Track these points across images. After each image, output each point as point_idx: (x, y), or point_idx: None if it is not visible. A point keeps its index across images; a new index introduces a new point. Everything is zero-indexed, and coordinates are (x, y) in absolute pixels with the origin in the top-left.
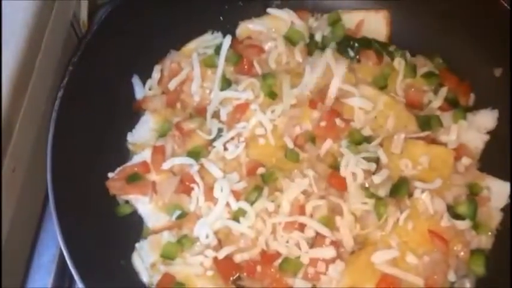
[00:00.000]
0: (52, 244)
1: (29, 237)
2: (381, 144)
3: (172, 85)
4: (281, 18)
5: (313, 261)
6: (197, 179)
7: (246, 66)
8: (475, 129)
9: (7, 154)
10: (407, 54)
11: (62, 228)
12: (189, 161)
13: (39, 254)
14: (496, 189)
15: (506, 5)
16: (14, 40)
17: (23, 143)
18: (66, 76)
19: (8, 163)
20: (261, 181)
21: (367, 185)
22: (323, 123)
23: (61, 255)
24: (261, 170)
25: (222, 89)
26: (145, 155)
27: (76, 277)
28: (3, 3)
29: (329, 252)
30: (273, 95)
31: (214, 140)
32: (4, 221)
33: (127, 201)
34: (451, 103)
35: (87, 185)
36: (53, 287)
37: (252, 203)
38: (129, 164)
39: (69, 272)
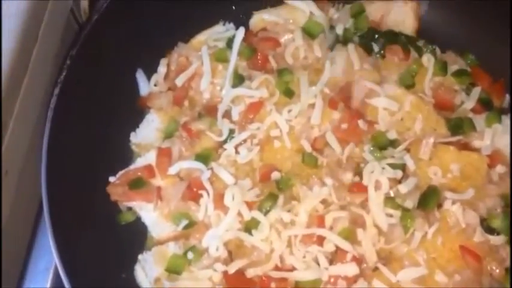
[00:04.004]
0: (48, 250)
1: (23, 242)
2: (407, 150)
3: (179, 81)
4: (299, 9)
5: (333, 279)
6: (206, 185)
7: (260, 61)
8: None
9: None
10: (437, 50)
11: (57, 237)
12: (198, 165)
13: (35, 260)
14: None
15: None
16: (8, 28)
17: (17, 144)
18: (64, 71)
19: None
20: (275, 188)
21: (392, 195)
22: (344, 126)
23: None
24: (275, 175)
25: (234, 86)
26: (150, 158)
27: None
28: None
29: (351, 269)
30: (289, 93)
31: (225, 142)
32: None
33: (130, 208)
34: (484, 104)
35: (86, 190)
36: None
37: (266, 213)
38: (132, 167)
39: None
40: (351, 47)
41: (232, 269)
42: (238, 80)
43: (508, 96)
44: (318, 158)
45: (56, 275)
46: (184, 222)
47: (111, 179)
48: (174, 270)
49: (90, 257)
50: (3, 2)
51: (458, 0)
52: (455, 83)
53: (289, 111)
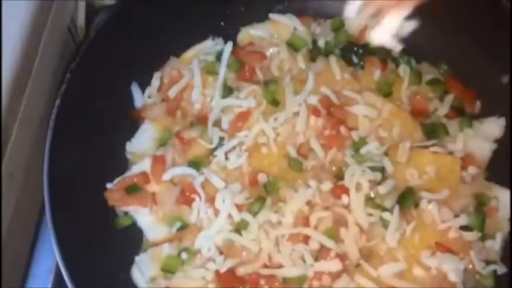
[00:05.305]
0: (50, 253)
1: (26, 245)
2: (386, 154)
3: (172, 93)
4: (283, 24)
5: (318, 275)
6: (199, 189)
7: (247, 73)
8: (482, 137)
9: (4, 160)
10: (413, 61)
11: (59, 240)
12: (191, 171)
13: (37, 262)
14: (504, 199)
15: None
16: (10, 44)
17: (20, 150)
18: (64, 84)
19: (5, 169)
20: (263, 191)
21: (372, 196)
22: (327, 132)
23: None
24: (263, 179)
25: (223, 97)
26: (145, 165)
27: None
28: None
29: (335, 265)
30: (275, 103)
31: (215, 149)
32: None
33: (126, 213)
34: (457, 111)
35: (85, 196)
36: None
37: (254, 214)
38: (128, 174)
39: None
40: (332, 58)
41: (223, 267)
42: (227, 91)
43: (478, 103)
44: (303, 163)
45: (57, 277)
46: (178, 225)
47: (108, 185)
48: (168, 269)
49: (89, 258)
50: (3, 17)
51: (432, 16)
52: (429, 91)
53: (276, 119)
